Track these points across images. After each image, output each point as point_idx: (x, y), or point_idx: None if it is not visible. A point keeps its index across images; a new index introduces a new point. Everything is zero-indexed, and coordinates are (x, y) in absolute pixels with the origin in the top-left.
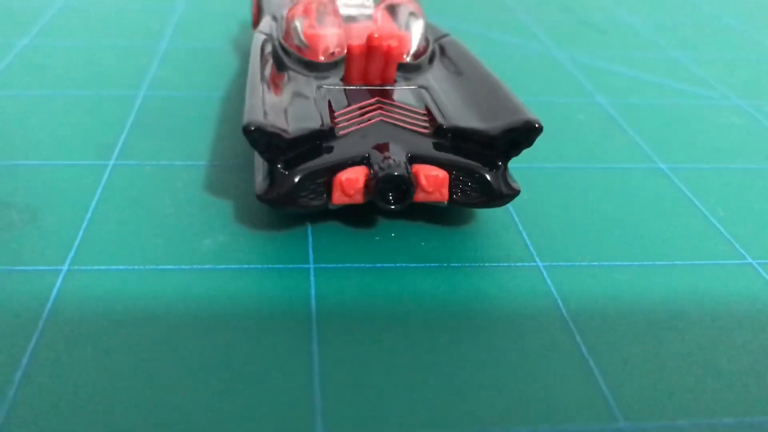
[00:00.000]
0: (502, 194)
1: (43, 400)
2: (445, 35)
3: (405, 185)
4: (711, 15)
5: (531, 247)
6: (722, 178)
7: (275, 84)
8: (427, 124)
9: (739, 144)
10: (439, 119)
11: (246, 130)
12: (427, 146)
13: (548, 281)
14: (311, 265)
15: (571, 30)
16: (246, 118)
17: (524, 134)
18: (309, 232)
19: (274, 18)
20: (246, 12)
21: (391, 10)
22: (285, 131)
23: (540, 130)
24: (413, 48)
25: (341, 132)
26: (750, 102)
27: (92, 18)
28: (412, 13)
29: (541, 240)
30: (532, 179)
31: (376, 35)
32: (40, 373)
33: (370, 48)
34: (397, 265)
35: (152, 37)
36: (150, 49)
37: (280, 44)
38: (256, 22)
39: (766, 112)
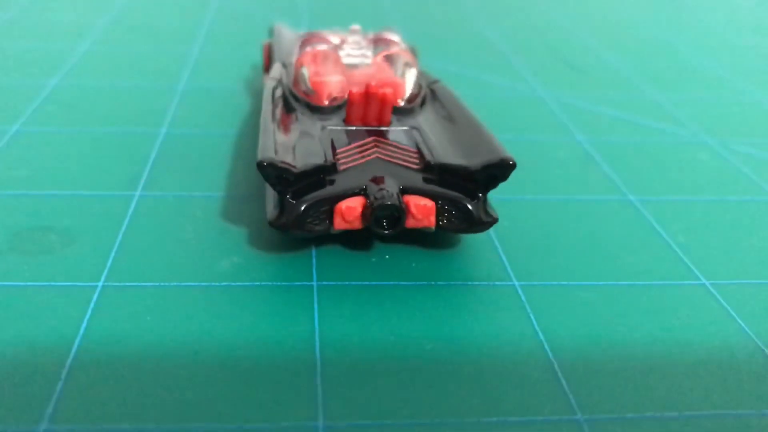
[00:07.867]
0: (481, 221)
1: (87, 392)
2: (436, 81)
3: (397, 213)
4: (689, 58)
5: (509, 268)
6: (684, 209)
7: (284, 125)
8: (417, 161)
9: (702, 178)
10: (428, 156)
11: (260, 165)
12: (417, 179)
13: (523, 298)
14: (314, 283)
15: (558, 71)
16: (260, 155)
17: (500, 170)
18: (313, 253)
19: (284, 65)
20: (255, 55)
21: (388, 59)
22: (293, 166)
23: (513, 166)
24: (407, 93)
25: (342, 167)
26: (716, 140)
27: (114, 60)
28: (406, 63)
29: (518, 262)
30: (513, 209)
31: (373, 83)
32: (84, 367)
33: (369, 95)
34: (390, 283)
35: (171, 78)
36: (169, 90)
37: (289, 90)
38: (267, 67)
39: (730, 148)
